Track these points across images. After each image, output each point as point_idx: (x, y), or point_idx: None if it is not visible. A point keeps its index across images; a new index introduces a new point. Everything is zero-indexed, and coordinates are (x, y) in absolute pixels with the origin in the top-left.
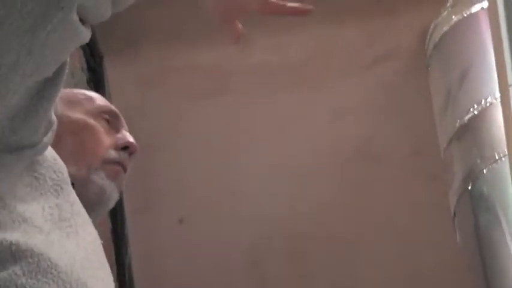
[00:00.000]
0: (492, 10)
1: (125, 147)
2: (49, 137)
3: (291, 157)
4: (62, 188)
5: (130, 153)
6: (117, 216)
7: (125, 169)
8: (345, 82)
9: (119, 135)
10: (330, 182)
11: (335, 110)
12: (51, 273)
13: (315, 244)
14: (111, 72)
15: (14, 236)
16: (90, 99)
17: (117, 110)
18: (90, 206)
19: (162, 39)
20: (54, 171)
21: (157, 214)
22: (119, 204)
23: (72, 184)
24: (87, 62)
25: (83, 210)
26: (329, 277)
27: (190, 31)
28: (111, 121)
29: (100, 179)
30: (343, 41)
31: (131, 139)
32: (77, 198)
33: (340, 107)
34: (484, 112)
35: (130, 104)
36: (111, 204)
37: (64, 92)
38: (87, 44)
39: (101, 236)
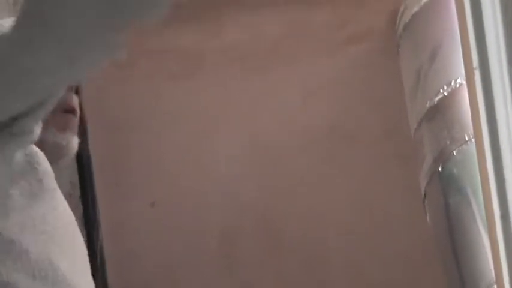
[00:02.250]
0: None
1: None
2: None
3: (263, 137)
4: (35, 168)
5: (76, 91)
6: (88, 200)
7: (73, 111)
8: (317, 62)
9: None
10: (301, 162)
11: (306, 91)
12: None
13: (286, 223)
14: None
15: None
16: None
17: None
18: (53, 161)
19: None
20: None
21: (128, 197)
22: (90, 187)
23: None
24: None
25: (51, 184)
26: (301, 255)
27: None
28: None
29: (51, 136)
30: (315, 21)
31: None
32: (46, 172)
33: (311, 88)
34: (454, 93)
35: (101, 85)
36: (73, 152)
37: None
38: None
39: None
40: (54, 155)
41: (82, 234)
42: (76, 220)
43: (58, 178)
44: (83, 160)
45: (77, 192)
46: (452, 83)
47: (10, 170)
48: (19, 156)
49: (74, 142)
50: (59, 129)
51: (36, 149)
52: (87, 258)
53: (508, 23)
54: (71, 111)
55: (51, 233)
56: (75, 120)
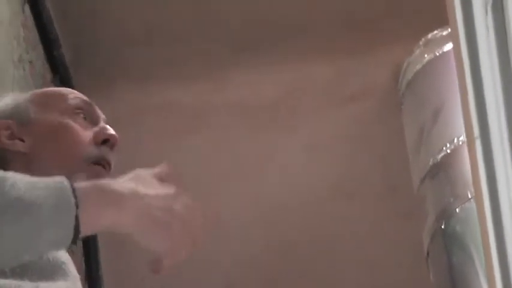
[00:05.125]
0: (459, 66)
1: (105, 140)
2: None
3: (266, 195)
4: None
5: (112, 146)
6: (90, 255)
7: (108, 163)
8: (320, 119)
9: (97, 129)
10: (304, 219)
11: (309, 148)
12: None
13: (290, 281)
14: None
15: None
16: (62, 96)
17: (90, 101)
18: None
19: (137, 77)
20: None
21: (131, 252)
22: (93, 243)
23: None
24: None
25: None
26: None
27: (165, 69)
28: (87, 114)
29: (81, 181)
30: (318, 79)
31: (110, 131)
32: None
33: (314, 145)
34: (457, 151)
35: None
36: None
37: (35, 94)
38: (61, 81)
39: None
40: None
41: None
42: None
43: None
44: None
45: (80, 249)
46: (455, 141)
47: None
48: None
49: None
50: (89, 177)
51: None
52: None
53: (508, 94)
54: (104, 165)
55: None
56: (105, 174)
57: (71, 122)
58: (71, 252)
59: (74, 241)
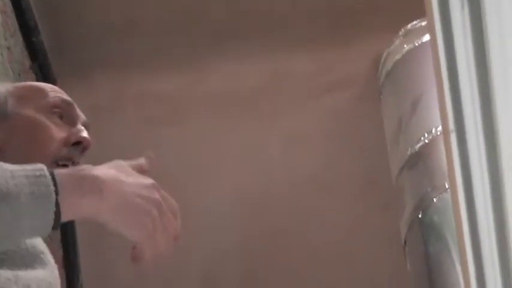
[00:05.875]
0: (436, 61)
1: (78, 143)
2: None
3: (246, 185)
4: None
5: (83, 149)
6: (68, 243)
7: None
8: (299, 110)
9: (73, 130)
10: (283, 210)
11: (289, 138)
12: None
13: (268, 272)
14: None
15: None
16: (42, 93)
17: (71, 101)
18: None
19: (117, 66)
20: None
21: (109, 241)
22: (71, 231)
23: None
24: None
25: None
26: None
27: (146, 58)
28: (66, 114)
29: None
30: (298, 69)
31: (84, 134)
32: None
33: (294, 135)
34: (435, 141)
35: None
36: None
37: (16, 86)
38: (40, 68)
39: None
40: None
41: (62, 278)
42: (56, 264)
43: None
44: None
45: (58, 237)
46: (433, 131)
47: None
48: None
49: None
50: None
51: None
52: None
53: (483, 88)
54: (73, 161)
55: None
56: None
57: (44, 120)
58: (49, 239)
59: (55, 227)
